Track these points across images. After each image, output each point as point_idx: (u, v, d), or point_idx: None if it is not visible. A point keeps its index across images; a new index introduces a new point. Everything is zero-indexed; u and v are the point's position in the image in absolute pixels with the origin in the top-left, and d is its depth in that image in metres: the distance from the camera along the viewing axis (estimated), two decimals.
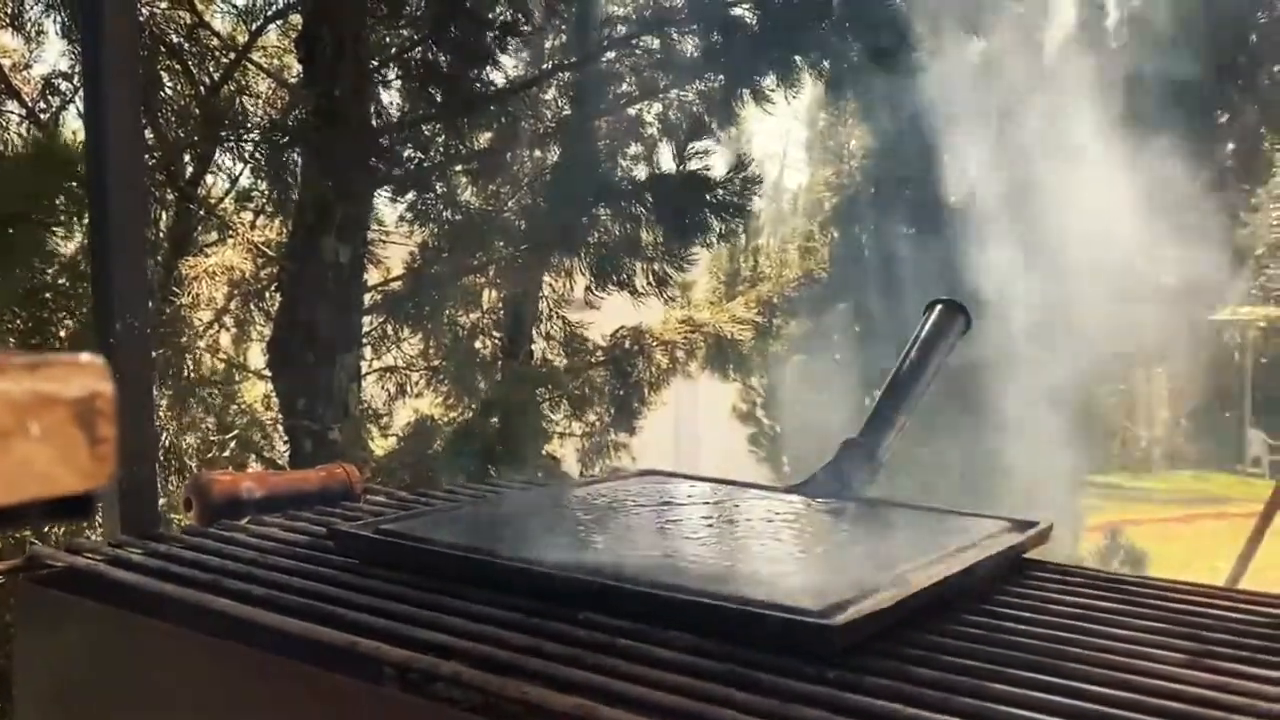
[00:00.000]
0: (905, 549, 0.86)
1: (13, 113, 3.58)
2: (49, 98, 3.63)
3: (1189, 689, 0.63)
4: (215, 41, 2.98)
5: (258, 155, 3.10)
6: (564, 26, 2.93)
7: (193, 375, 2.98)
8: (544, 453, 3.48)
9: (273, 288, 3.06)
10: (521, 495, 1.13)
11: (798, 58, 3.07)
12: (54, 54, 3.79)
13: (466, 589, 0.79)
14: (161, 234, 3.24)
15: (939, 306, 1.34)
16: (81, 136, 3.72)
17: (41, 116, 3.58)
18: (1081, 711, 0.60)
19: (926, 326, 1.32)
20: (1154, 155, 4.97)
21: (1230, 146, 5.21)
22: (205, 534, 0.99)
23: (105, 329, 0.98)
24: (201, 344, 3.11)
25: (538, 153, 3.40)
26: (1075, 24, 5.06)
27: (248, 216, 3.19)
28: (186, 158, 3.32)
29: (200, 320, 3.13)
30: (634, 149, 3.44)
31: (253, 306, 3.07)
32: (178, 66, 2.92)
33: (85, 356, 0.32)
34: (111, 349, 0.97)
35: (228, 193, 3.51)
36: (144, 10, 2.76)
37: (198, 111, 2.91)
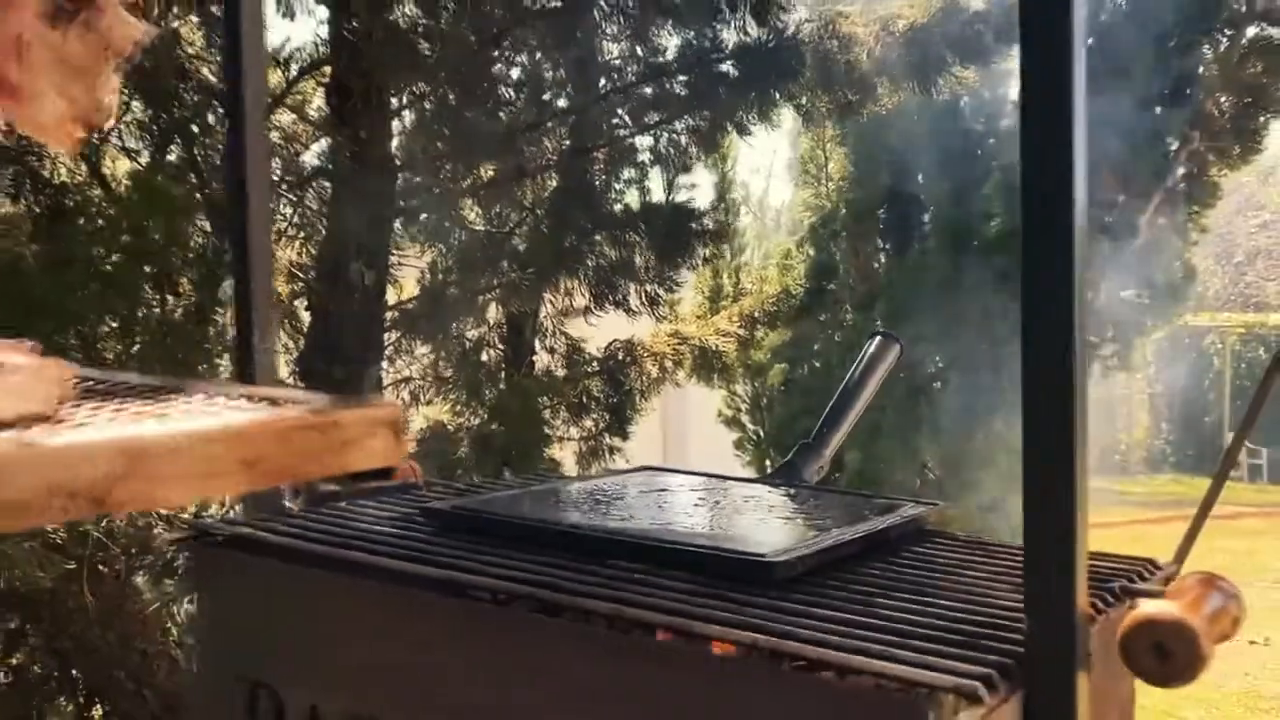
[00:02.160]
0: (836, 518, 1.21)
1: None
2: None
3: (1002, 601, 0.98)
4: None
5: (283, 186, 3.43)
6: (566, 74, 3.27)
7: None
8: (545, 455, 3.82)
9: (303, 307, 3.40)
10: (551, 485, 1.47)
11: (777, 94, 3.43)
12: None
13: (525, 546, 1.13)
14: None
15: (878, 338, 1.70)
16: (122, 166, 4.04)
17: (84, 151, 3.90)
18: (930, 611, 0.94)
19: (868, 353, 1.68)
20: (1111, 179, 5.34)
21: (1180, 171, 5.59)
22: (319, 512, 1.33)
23: (247, 356, 1.32)
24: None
25: (540, 180, 3.74)
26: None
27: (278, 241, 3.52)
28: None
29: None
30: (628, 175, 3.80)
31: (285, 323, 3.40)
32: (219, 108, 3.25)
33: (391, 399, 0.65)
34: (253, 373, 1.31)
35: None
36: (193, 61, 3.09)
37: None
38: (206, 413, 0.63)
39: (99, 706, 3.23)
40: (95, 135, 4.01)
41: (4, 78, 0.68)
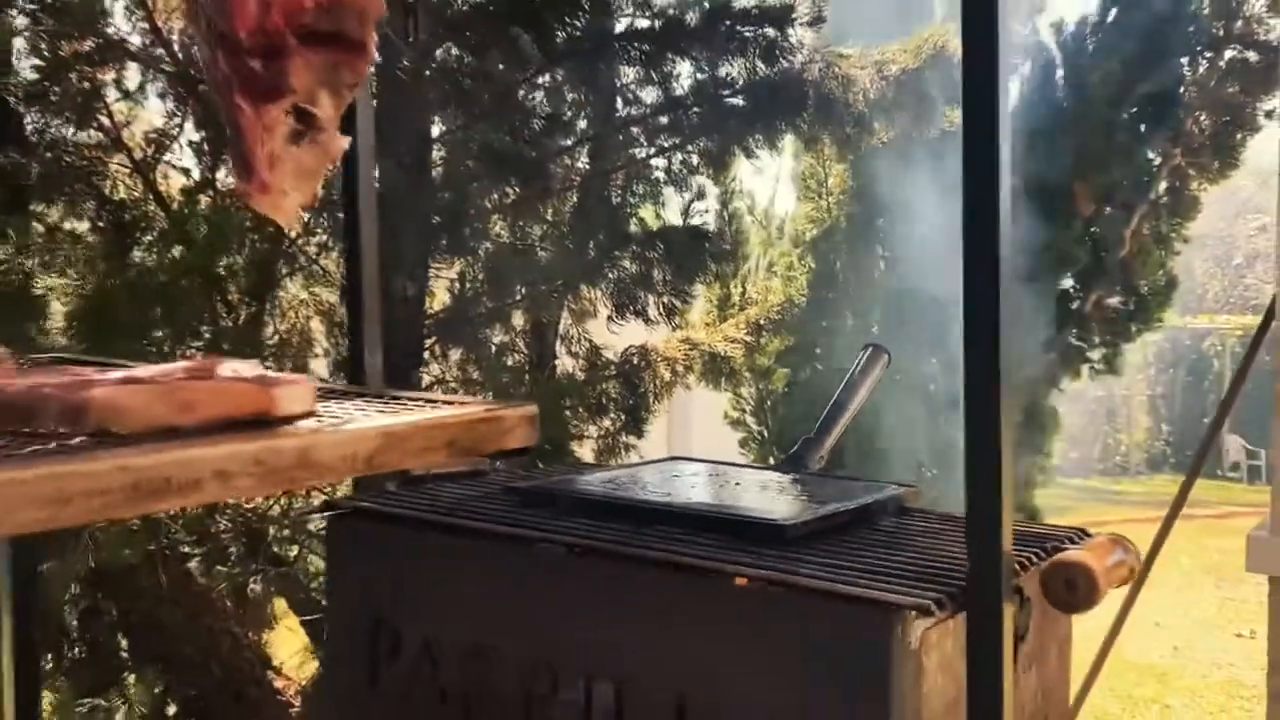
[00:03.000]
0: (833, 496, 1.53)
1: (122, 165, 4.23)
2: (149, 151, 4.29)
3: (956, 553, 1.29)
4: None
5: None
6: (590, 104, 3.60)
7: None
8: (569, 451, 4.13)
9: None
10: (600, 470, 1.79)
11: (782, 124, 3.75)
12: (151, 113, 4.42)
13: (590, 515, 1.45)
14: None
15: (870, 348, 2.01)
16: (177, 183, 4.34)
17: (143, 169, 4.23)
18: (901, 560, 1.26)
19: (861, 362, 1.99)
20: (1085, 196, 5.63)
21: (1163, 185, 5.91)
22: (417, 491, 1.65)
23: (359, 368, 1.64)
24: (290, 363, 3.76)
25: (564, 199, 4.07)
26: (1024, 79, 5.75)
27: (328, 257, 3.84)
28: None
29: (288, 342, 3.77)
30: (646, 199, 4.12)
31: (336, 330, 3.73)
32: None
33: (531, 405, 0.97)
34: (364, 381, 1.63)
35: (299, 237, 4.16)
36: None
37: None
38: (417, 410, 0.95)
39: (160, 679, 3.54)
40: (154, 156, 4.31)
41: (263, 181, 1.00)
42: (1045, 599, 1.22)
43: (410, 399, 1.09)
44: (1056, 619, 1.47)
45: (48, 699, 3.56)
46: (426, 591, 1.45)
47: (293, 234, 3.47)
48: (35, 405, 0.86)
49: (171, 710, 3.50)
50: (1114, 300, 6.15)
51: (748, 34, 3.18)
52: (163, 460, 0.71)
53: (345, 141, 1.08)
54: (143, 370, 1.00)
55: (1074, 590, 1.18)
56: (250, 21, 0.90)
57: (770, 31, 3.15)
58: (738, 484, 1.64)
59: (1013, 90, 5.86)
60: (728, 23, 3.20)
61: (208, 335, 3.38)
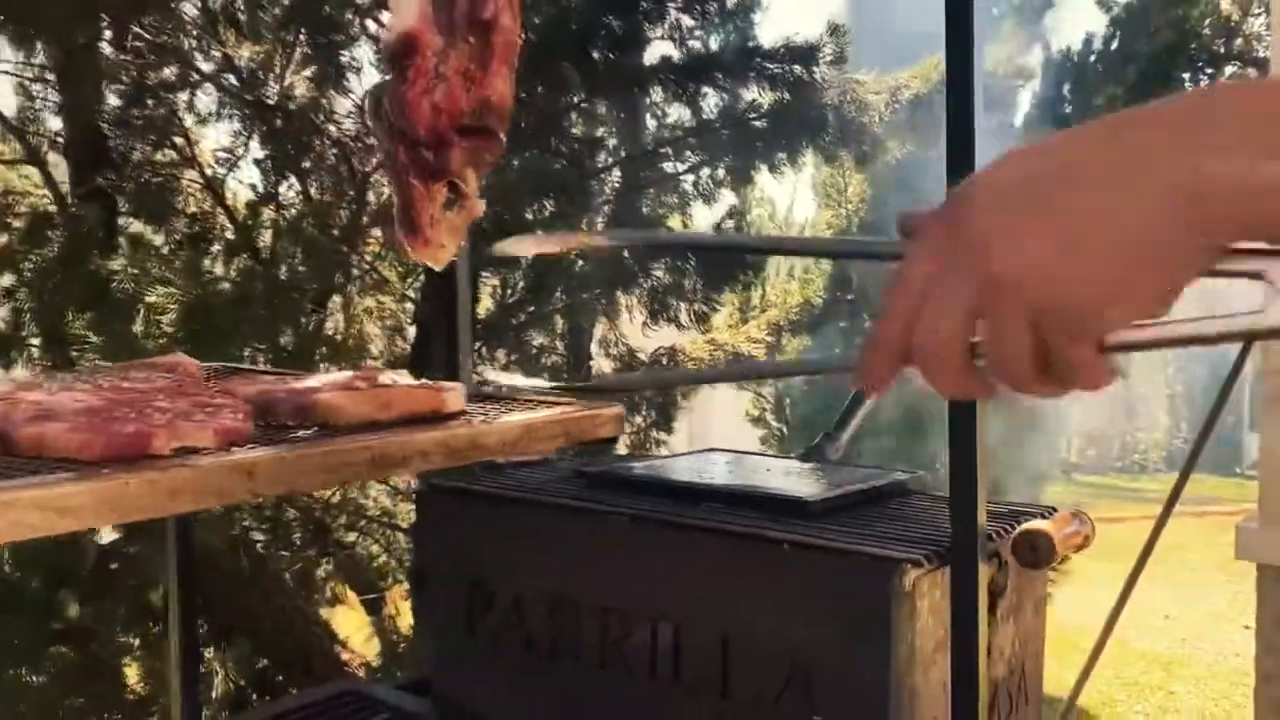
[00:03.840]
0: (848, 479, 1.86)
1: (194, 181, 4.59)
2: (218, 167, 4.65)
3: (944, 524, 1.62)
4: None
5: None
6: (628, 126, 3.93)
7: None
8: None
9: (408, 321, 4.08)
10: (651, 459, 2.12)
11: (803, 142, 4.07)
12: (219, 133, 4.78)
13: (648, 493, 1.78)
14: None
15: None
16: (242, 197, 4.70)
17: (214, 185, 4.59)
18: (901, 528, 1.59)
19: None
20: None
21: None
22: (499, 474, 1.98)
23: (455, 375, 1.97)
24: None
25: (605, 214, 4.40)
26: (1034, 94, 6.05)
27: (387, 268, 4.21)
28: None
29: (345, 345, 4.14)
30: (676, 206, 4.46)
31: (397, 336, 4.08)
32: (339, 155, 3.94)
33: (619, 405, 1.29)
34: (460, 378, 1.96)
35: (358, 246, 4.51)
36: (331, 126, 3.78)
37: (352, 193, 3.93)
38: (539, 409, 1.29)
39: (243, 652, 3.90)
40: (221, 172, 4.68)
41: (426, 238, 1.33)
42: (1015, 559, 1.54)
43: (527, 400, 1.42)
44: (1033, 580, 1.79)
45: (135, 670, 3.93)
46: (516, 556, 1.78)
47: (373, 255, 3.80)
48: (271, 404, 1.20)
49: (249, 679, 3.86)
50: None
51: (776, 71, 3.50)
52: (388, 442, 1.05)
53: (483, 205, 1.41)
54: (325, 377, 1.34)
55: (1036, 551, 1.50)
56: (426, 122, 1.23)
57: (797, 69, 3.47)
58: (768, 470, 1.97)
59: (1023, 105, 6.17)
60: (758, 59, 3.52)
61: (281, 339, 3.73)
